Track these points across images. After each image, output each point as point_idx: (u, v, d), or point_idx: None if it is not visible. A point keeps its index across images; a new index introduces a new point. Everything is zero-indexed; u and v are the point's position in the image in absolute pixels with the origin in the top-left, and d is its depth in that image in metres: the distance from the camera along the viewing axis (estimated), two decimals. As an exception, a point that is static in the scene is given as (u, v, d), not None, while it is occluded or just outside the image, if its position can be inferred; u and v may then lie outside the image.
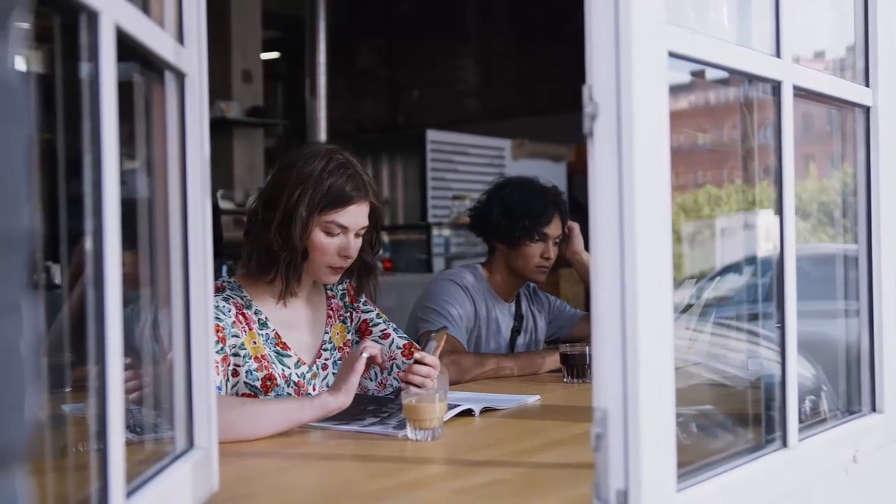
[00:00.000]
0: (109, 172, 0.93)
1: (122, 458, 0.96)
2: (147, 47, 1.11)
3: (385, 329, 2.25)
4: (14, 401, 0.51)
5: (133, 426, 1.29)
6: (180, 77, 1.26)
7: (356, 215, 2.06)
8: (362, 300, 2.28)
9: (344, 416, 1.96)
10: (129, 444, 1.01)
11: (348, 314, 2.26)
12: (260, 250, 2.06)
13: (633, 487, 1.09)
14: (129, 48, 1.04)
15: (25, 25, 0.58)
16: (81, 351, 0.99)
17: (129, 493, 1.02)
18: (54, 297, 1.62)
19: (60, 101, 1.00)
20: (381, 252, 2.29)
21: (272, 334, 2.09)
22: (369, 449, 1.74)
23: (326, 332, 2.20)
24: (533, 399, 2.25)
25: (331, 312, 2.23)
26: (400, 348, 2.22)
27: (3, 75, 0.54)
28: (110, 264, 0.94)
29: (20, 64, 0.56)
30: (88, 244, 0.93)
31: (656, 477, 1.11)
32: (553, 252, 2.88)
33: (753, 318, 1.81)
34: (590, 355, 2.54)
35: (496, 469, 1.57)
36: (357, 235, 2.09)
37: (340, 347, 2.22)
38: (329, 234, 2.05)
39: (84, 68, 0.93)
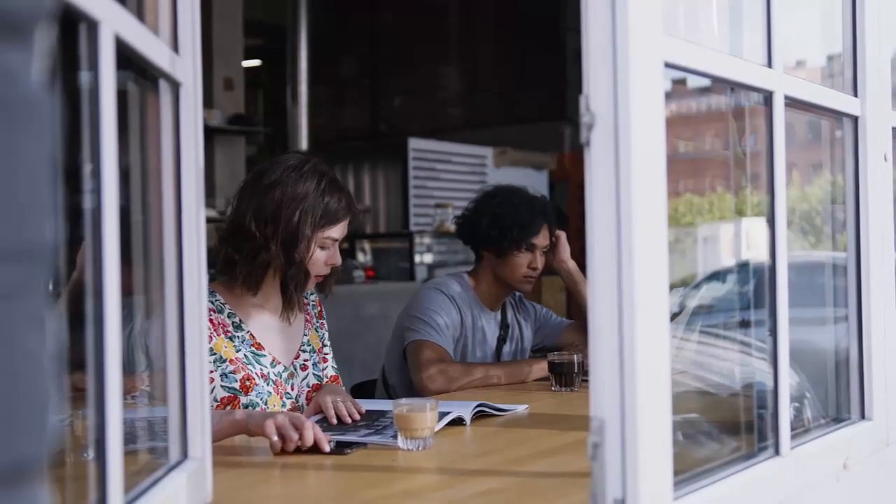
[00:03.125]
0: (109, 182, 0.92)
1: (120, 471, 0.95)
2: (145, 56, 1.10)
3: (327, 354, 2.36)
4: (39, 414, 0.51)
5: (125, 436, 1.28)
6: (175, 86, 1.26)
7: (345, 227, 2.21)
8: (324, 318, 2.39)
9: (339, 428, 1.95)
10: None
11: (319, 324, 2.37)
12: (259, 267, 2.12)
13: (631, 496, 1.09)
14: (124, 56, 1.03)
15: (48, 39, 0.58)
16: (72, 361, 0.98)
17: (126, 505, 1.02)
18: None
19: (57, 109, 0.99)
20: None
21: (247, 336, 2.16)
22: (361, 459, 1.73)
23: (305, 335, 2.29)
24: (522, 408, 2.25)
25: (308, 318, 2.33)
26: (327, 378, 2.32)
27: (29, 91, 0.54)
28: (109, 274, 0.93)
29: (43, 78, 0.56)
30: (88, 254, 0.92)
31: (653, 485, 1.11)
32: (540, 262, 2.88)
33: (739, 325, 1.82)
34: (577, 364, 2.55)
35: (490, 478, 1.57)
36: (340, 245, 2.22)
37: (318, 351, 2.32)
38: (323, 248, 2.17)
39: (83, 77, 0.92)
